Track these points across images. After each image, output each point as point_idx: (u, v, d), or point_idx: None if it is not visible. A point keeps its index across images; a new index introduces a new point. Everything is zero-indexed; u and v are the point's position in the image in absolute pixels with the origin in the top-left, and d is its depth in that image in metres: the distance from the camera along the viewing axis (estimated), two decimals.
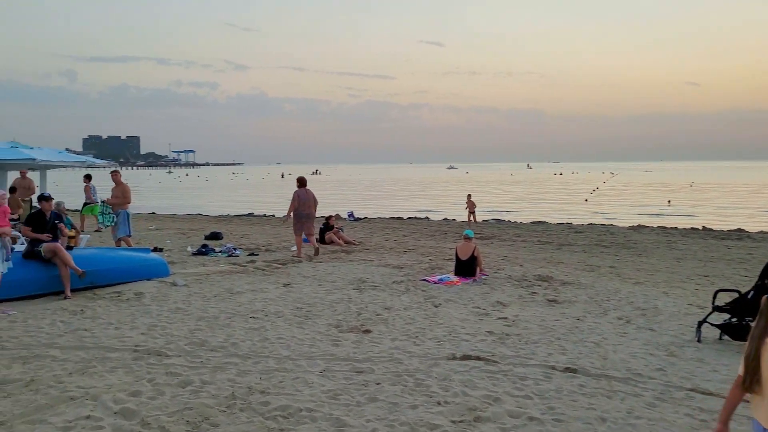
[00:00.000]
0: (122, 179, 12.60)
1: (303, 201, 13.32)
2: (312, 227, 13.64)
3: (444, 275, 10.87)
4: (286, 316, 7.77)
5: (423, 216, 28.13)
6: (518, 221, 25.59)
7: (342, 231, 16.59)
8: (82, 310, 7.84)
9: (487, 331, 7.22)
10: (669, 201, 40.44)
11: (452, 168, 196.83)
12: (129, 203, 12.67)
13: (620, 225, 23.50)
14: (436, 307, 8.57)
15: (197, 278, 10.36)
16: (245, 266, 11.81)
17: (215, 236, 16.73)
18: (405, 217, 27.30)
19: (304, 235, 13.42)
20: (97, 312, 7.77)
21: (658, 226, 23.19)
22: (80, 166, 14.20)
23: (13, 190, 14.45)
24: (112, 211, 12.37)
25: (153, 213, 29.91)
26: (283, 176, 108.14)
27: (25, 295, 8.42)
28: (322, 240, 15.90)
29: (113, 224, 12.33)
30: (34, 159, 10.00)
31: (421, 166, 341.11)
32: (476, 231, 18.60)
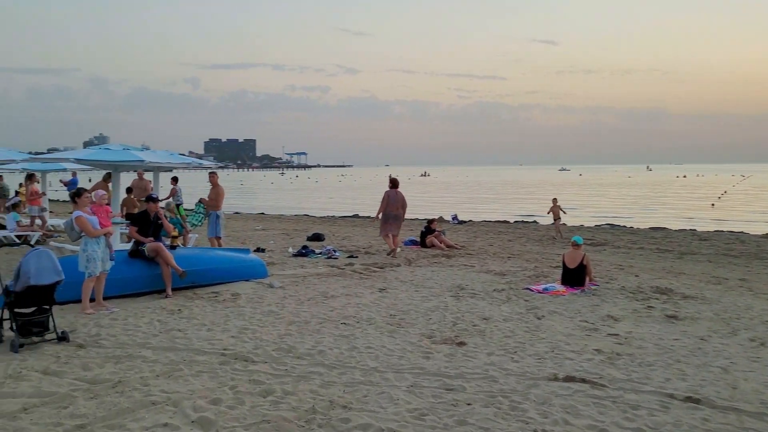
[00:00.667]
0: (219, 181, 12.87)
1: (392, 202, 13.46)
2: (397, 229, 13.66)
3: (549, 284, 10.18)
4: (378, 324, 7.47)
5: (531, 220, 27.12)
6: (635, 227, 24.01)
7: (444, 234, 16.16)
8: (179, 309, 7.95)
9: (595, 349, 6.55)
10: None
11: (564, 170, 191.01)
12: (220, 207, 12.88)
13: (752, 233, 21.40)
14: (538, 319, 7.97)
15: (294, 280, 10.33)
16: (343, 269, 11.69)
17: (317, 237, 16.83)
18: (511, 221, 26.42)
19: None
20: (194, 312, 7.85)
21: None
22: (186, 167, 14.69)
23: (129, 190, 15.22)
24: (204, 212, 12.68)
25: (262, 213, 30.90)
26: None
27: (130, 293, 8.69)
28: (423, 243, 15.60)
29: (200, 224, 12.64)
30: (142, 161, 10.41)
31: (531, 168, 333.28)
32: (587, 237, 17.60)
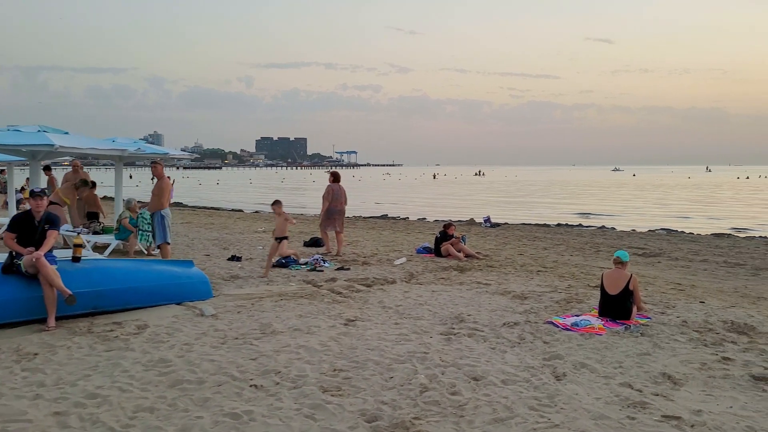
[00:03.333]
0: (164, 172, 10.30)
1: (336, 196, 13.15)
2: (343, 224, 13.31)
3: (582, 317, 7.47)
4: (306, 388, 4.93)
5: (575, 223, 24.13)
6: (695, 233, 20.81)
7: (464, 241, 13.49)
8: (36, 354, 5.58)
9: None
10: None
11: (617, 170, 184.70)
12: (166, 204, 10.32)
13: None
14: (558, 379, 5.32)
15: (243, 303, 7.91)
16: (319, 286, 9.25)
17: (315, 243, 14.42)
18: (552, 224, 23.49)
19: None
20: (53, 358, 5.46)
21: None
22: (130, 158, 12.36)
23: (93, 185, 13.10)
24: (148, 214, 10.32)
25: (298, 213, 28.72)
26: (435, 177, 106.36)
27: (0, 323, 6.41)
28: (437, 252, 13.03)
29: (150, 231, 10.33)
30: (53, 145, 8.08)
31: (584, 168, 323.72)
32: (638, 246, 14.72)
